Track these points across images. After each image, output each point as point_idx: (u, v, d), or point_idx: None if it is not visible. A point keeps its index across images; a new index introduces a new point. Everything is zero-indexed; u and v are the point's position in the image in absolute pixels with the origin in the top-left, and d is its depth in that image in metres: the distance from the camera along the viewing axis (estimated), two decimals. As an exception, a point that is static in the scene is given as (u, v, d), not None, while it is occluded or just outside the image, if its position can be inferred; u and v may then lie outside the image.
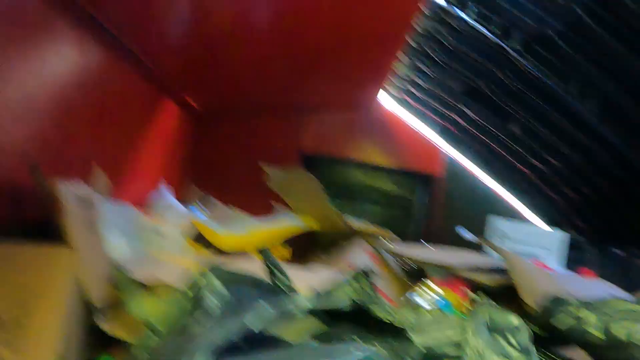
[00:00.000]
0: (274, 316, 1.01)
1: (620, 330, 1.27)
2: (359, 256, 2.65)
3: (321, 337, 1.13)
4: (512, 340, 1.07)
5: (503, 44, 3.43)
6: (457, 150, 5.54)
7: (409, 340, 1.05)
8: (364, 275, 1.37)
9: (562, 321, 1.36)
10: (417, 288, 2.44)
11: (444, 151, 5.62)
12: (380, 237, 3.21)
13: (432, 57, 4.22)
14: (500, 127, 4.56)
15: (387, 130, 5.61)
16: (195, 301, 1.18)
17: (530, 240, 3.62)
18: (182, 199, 4.19)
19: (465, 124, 4.94)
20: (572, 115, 3.65)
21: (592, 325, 1.31)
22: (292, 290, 1.34)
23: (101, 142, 3.15)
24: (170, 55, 3.59)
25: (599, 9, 2.93)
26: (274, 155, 4.32)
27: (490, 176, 5.53)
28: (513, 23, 3.38)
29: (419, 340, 1.07)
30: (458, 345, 1.11)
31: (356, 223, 3.16)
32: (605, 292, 1.75)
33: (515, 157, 4.91)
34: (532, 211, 5.45)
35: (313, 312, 1.17)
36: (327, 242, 3.26)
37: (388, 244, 3.08)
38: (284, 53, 3.66)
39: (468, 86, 4.34)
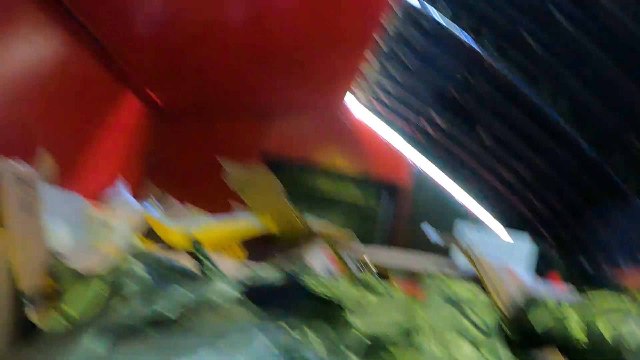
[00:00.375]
0: (193, 303, 0.94)
1: (605, 329, 1.18)
2: (317, 258, 2.55)
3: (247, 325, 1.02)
4: (470, 314, 0.99)
5: (474, 45, 3.39)
6: (424, 157, 5.50)
7: (348, 327, 0.96)
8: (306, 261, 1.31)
9: (540, 322, 1.25)
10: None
11: (410, 159, 5.57)
12: (341, 240, 3.15)
13: (403, 61, 4.17)
14: (469, 135, 4.53)
15: (353, 137, 5.54)
16: (114, 286, 1.12)
17: (498, 249, 3.58)
18: (138, 195, 4.09)
19: (433, 132, 4.91)
20: (543, 120, 3.63)
21: (574, 324, 1.22)
22: (221, 278, 1.25)
23: (53, 128, 3.04)
24: (137, 48, 3.51)
25: (575, 9, 2.90)
26: (236, 157, 4.22)
27: (457, 184, 5.50)
28: (485, 22, 3.33)
29: (361, 325, 0.97)
30: (407, 330, 1.02)
31: (316, 224, 3.06)
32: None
33: (484, 166, 4.89)
34: (498, 219, 5.43)
35: (243, 302, 1.07)
36: (285, 243, 3.18)
37: (350, 247, 3.01)
38: (251, 54, 3.61)
39: (438, 92, 4.30)
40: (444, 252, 3.09)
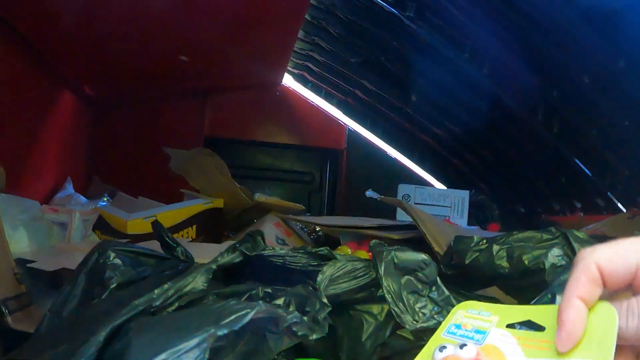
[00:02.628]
0: (174, 288, 0.98)
1: (524, 255, 1.32)
2: (268, 229, 2.67)
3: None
4: (421, 276, 1.07)
5: (397, 12, 3.47)
6: (359, 123, 5.58)
7: (314, 292, 1.00)
8: (257, 233, 1.33)
9: (465, 256, 1.40)
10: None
11: (345, 125, 5.65)
12: (290, 210, 3.24)
13: (328, 30, 4.23)
14: (399, 97, 4.64)
15: (289, 108, 5.59)
16: (92, 280, 1.15)
17: (435, 200, 3.76)
18: (87, 192, 4.08)
19: (364, 96, 5.00)
20: (466, 80, 3.76)
21: (496, 255, 1.35)
22: (191, 260, 1.31)
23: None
24: (66, 44, 3.42)
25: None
26: (178, 141, 4.25)
27: (392, 146, 5.62)
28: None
29: (324, 288, 1.06)
30: (370, 288, 1.13)
31: (264, 198, 3.17)
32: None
33: (415, 126, 5.03)
34: (436, 177, 5.60)
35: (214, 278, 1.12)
36: (238, 221, 3.27)
37: (299, 216, 3.11)
38: (182, 39, 3.59)
39: (365, 58, 4.38)
40: (388, 215, 3.18)
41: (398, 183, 3.98)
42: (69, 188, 3.81)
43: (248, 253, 1.17)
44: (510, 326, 0.65)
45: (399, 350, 1.11)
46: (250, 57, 4.25)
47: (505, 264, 1.34)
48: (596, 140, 3.18)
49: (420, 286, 1.07)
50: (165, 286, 0.97)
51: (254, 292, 1.00)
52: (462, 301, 1.41)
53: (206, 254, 1.53)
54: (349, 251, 2.41)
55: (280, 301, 0.95)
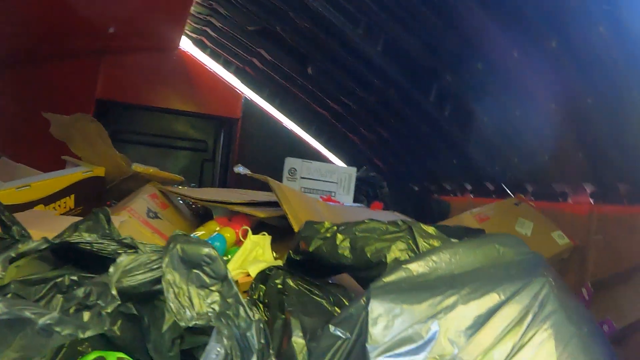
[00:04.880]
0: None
1: (367, 246, 1.29)
2: (141, 200, 2.54)
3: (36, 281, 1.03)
4: (208, 270, 1.01)
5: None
6: (256, 92, 5.52)
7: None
8: (102, 212, 1.28)
9: (311, 243, 1.35)
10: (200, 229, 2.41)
11: (242, 94, 5.58)
12: (170, 180, 3.16)
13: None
14: (297, 70, 4.59)
15: (186, 74, 5.45)
16: None
17: (321, 176, 3.71)
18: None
19: (262, 66, 4.93)
20: (361, 56, 3.72)
21: (339, 242, 1.32)
22: (27, 238, 1.22)
23: None
24: None
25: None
26: (69, 104, 4.04)
27: (289, 118, 5.59)
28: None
29: (117, 280, 0.99)
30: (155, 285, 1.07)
31: (141, 168, 3.05)
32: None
33: (313, 99, 5.00)
34: (332, 152, 5.62)
35: (44, 258, 1.12)
36: (120, 190, 3.15)
37: (177, 187, 3.03)
38: None
39: (264, 28, 4.29)
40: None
41: (293, 155, 3.91)
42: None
43: (52, 241, 1.09)
44: None
45: (200, 344, 1.05)
46: (146, 11, 4.07)
47: (348, 254, 1.30)
48: (488, 126, 3.24)
49: (209, 281, 1.01)
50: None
51: (59, 280, 1.00)
52: (303, 286, 1.34)
53: (57, 228, 1.48)
54: (217, 227, 2.32)
55: (80, 291, 0.95)
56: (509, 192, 3.43)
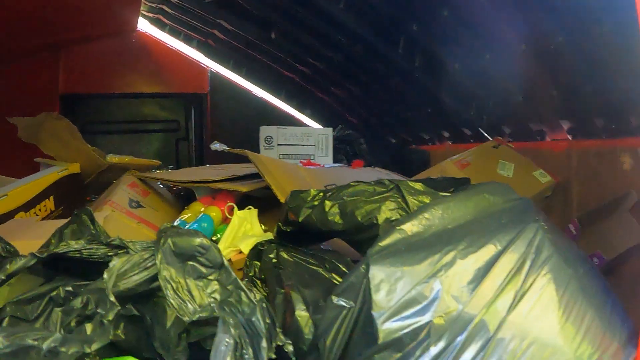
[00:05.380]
0: None
1: (356, 210, 1.28)
2: (121, 191, 2.51)
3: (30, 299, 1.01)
4: (203, 260, 1.01)
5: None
6: (221, 64, 5.44)
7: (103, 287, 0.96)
8: (84, 212, 1.25)
9: (299, 213, 1.34)
10: (185, 212, 2.38)
11: (208, 67, 5.50)
12: (147, 166, 3.13)
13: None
14: (260, 36, 4.52)
15: (147, 56, 5.34)
16: None
17: (298, 140, 3.70)
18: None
19: (224, 37, 4.84)
20: (327, 16, 3.67)
21: (328, 209, 1.31)
22: (14, 254, 1.20)
23: None
24: None
25: None
26: (32, 103, 3.95)
27: (258, 86, 5.53)
28: None
29: (113, 283, 0.98)
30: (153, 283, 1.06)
31: (117, 158, 3.01)
32: (372, 177, 1.76)
33: (280, 64, 4.95)
34: (306, 115, 5.59)
35: (35, 270, 1.09)
36: (98, 184, 3.12)
37: (155, 172, 3.00)
38: None
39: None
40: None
41: (267, 123, 3.88)
42: None
43: (39, 255, 1.05)
44: None
45: (207, 335, 1.03)
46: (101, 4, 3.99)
47: (338, 219, 1.30)
48: (459, 72, 3.22)
49: (205, 271, 1.00)
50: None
51: (54, 293, 0.97)
52: (297, 257, 1.34)
53: (42, 234, 1.46)
54: (202, 207, 2.30)
55: (77, 302, 0.94)
56: (486, 135, 3.45)
